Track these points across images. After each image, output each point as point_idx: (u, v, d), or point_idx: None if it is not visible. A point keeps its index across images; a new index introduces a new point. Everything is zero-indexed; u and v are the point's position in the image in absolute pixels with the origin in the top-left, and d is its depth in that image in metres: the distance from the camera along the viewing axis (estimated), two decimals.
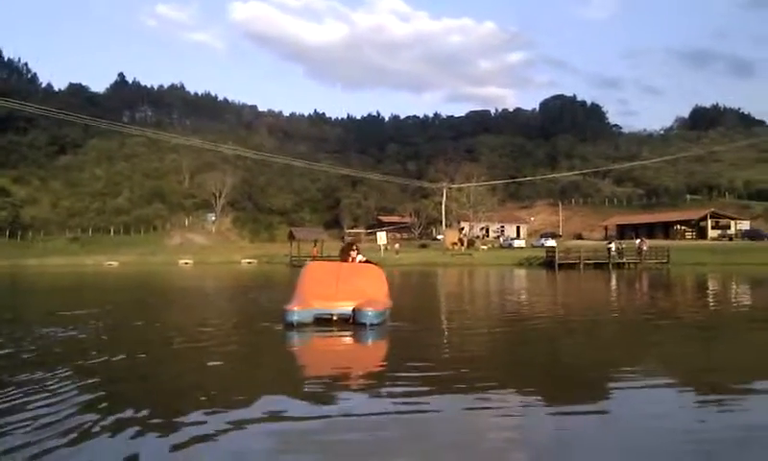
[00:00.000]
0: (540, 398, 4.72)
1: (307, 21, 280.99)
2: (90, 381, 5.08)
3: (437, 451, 3.44)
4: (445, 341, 7.99)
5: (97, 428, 3.74)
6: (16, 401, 4.41)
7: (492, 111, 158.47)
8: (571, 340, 8.22)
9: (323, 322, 8.55)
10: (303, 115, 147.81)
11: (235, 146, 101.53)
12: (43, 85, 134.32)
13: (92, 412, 4.10)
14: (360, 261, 10.17)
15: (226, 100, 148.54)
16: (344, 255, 10.20)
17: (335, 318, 8.62)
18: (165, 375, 5.69)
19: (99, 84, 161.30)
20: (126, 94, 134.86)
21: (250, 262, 62.68)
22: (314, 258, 53.25)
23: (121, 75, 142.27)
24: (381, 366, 6.35)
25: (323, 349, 7.40)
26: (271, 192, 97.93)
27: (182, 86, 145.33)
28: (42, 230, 77.44)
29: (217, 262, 62.15)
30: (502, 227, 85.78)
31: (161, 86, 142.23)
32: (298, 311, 8.64)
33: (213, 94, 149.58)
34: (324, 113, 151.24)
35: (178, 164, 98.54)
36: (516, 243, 68.95)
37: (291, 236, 54.86)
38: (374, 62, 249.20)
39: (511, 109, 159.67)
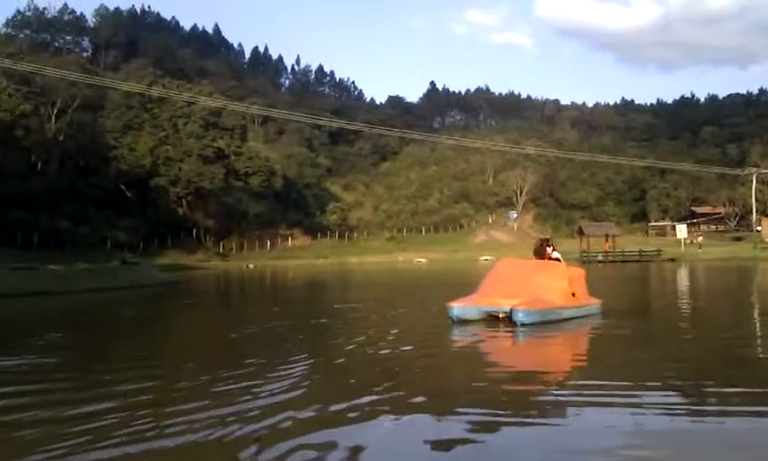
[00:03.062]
0: None
1: (616, 6, 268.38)
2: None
3: None
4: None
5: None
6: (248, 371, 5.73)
7: None
8: None
9: (494, 319, 8.69)
10: (608, 104, 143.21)
11: (537, 143, 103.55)
12: (367, 100, 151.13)
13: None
14: (553, 258, 9.93)
15: (528, 97, 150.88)
16: (537, 253, 10.16)
17: (501, 316, 8.61)
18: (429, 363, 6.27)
19: (413, 94, 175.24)
20: (437, 101, 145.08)
21: None
22: (606, 253, 52.92)
23: (432, 83, 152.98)
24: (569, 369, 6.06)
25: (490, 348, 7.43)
26: (572, 187, 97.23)
27: (488, 89, 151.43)
28: (365, 231, 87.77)
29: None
30: None
31: (468, 91, 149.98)
32: (458, 307, 8.90)
33: (516, 93, 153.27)
34: (632, 100, 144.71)
35: (482, 165, 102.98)
36: None
37: (580, 232, 54.95)
38: (690, 40, 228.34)
39: None
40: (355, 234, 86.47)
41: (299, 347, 7.19)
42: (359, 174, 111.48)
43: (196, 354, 7.45)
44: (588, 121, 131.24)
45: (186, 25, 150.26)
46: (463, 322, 8.76)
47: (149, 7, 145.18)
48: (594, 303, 10.04)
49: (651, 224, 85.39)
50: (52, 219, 56.05)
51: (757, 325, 9.62)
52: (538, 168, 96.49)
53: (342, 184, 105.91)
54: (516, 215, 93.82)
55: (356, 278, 33.45)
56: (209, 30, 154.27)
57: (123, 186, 69.03)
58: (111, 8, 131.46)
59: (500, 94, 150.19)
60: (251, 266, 58.13)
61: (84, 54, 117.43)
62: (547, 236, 11.12)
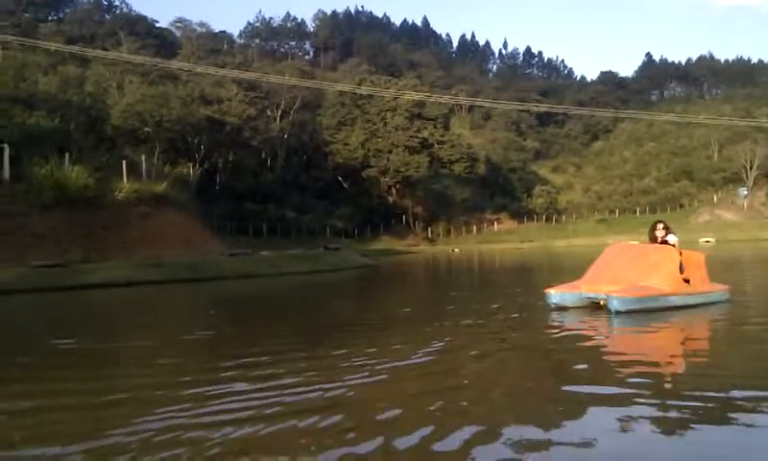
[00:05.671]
0: None
1: None
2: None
3: None
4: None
5: None
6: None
7: None
8: None
9: (596, 306, 8.35)
10: None
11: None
12: (577, 78, 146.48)
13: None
14: (670, 242, 9.17)
15: (761, 62, 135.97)
16: (650, 236, 9.55)
17: (602, 302, 8.24)
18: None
19: (627, 68, 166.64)
20: (654, 73, 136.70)
21: None
22: None
23: (648, 55, 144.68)
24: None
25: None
26: None
27: (711, 56, 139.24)
28: (574, 214, 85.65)
29: (740, 240, 59.30)
30: None
31: (689, 60, 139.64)
32: (554, 294, 8.70)
33: (746, 58, 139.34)
34: None
35: (706, 139, 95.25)
36: None
37: None
38: None
39: None
40: (563, 217, 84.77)
41: (432, 332, 7.16)
42: (569, 155, 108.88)
43: (338, 331, 8.02)
44: None
45: (397, 21, 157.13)
46: (562, 308, 8.49)
47: (362, 7, 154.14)
48: (716, 291, 9.23)
49: None
50: (279, 209, 62.27)
51: None
52: None
53: (550, 166, 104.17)
54: (746, 192, 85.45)
55: (555, 261, 33.25)
56: (419, 23, 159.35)
57: (340, 178, 74.42)
58: (328, 11, 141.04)
59: (726, 61, 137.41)
60: (456, 250, 59.66)
61: (306, 57, 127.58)
62: (662, 219, 9.95)
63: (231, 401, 4.16)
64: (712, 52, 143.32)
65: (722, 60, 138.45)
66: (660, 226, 9.47)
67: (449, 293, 15.32)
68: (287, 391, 4.40)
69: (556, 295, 8.70)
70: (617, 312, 7.89)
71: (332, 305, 12.71)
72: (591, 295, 8.46)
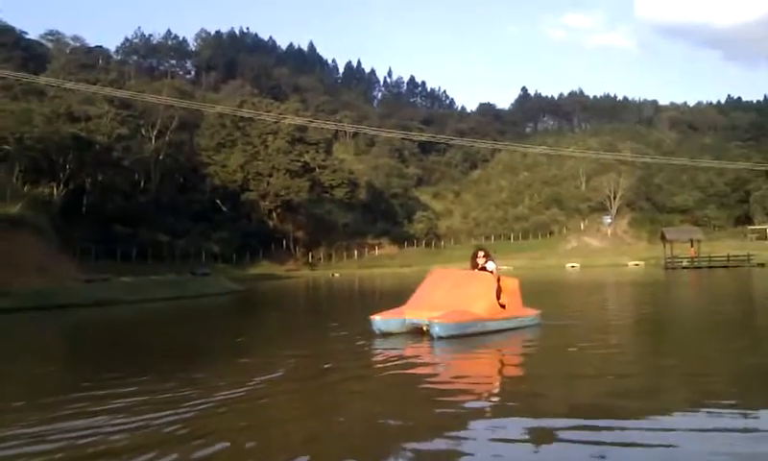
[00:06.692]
0: None
1: (722, 1, 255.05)
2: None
3: None
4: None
5: None
6: None
7: None
8: None
9: (420, 331, 8.47)
10: (711, 103, 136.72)
11: (633, 145, 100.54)
12: (458, 109, 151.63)
13: None
14: (488, 269, 9.45)
15: (625, 98, 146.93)
16: (471, 262, 9.83)
17: (425, 328, 8.38)
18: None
19: (505, 101, 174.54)
20: (528, 107, 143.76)
21: (636, 265, 61.97)
22: (692, 259, 50.77)
23: (524, 89, 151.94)
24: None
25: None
26: (671, 190, 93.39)
27: (581, 92, 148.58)
28: (453, 239, 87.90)
29: (603, 265, 62.83)
30: None
31: (561, 95, 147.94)
32: (379, 320, 8.77)
33: (612, 95, 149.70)
34: (738, 98, 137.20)
35: (575, 170, 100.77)
36: None
37: (663, 237, 53.01)
38: None
39: None
40: (442, 243, 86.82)
41: (277, 361, 7.17)
42: (449, 182, 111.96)
43: (165, 363, 7.84)
44: (689, 121, 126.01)
45: (283, 44, 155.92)
46: (387, 334, 8.59)
47: (247, 28, 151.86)
48: (529, 315, 9.86)
49: (750, 227, 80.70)
50: (151, 233, 59.61)
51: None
52: (633, 171, 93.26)
53: (431, 193, 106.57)
54: (610, 220, 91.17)
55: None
56: (305, 47, 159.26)
57: (218, 201, 72.59)
58: (212, 31, 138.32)
59: (595, 97, 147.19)
60: (336, 275, 59.60)
61: (188, 76, 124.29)
62: (482, 246, 10.69)
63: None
64: (582, 88, 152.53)
65: (591, 96, 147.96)
66: (481, 253, 9.87)
67: (305, 319, 15.22)
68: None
69: (381, 321, 8.80)
70: (439, 338, 8.13)
71: (173, 335, 12.21)
72: (414, 321, 8.63)
